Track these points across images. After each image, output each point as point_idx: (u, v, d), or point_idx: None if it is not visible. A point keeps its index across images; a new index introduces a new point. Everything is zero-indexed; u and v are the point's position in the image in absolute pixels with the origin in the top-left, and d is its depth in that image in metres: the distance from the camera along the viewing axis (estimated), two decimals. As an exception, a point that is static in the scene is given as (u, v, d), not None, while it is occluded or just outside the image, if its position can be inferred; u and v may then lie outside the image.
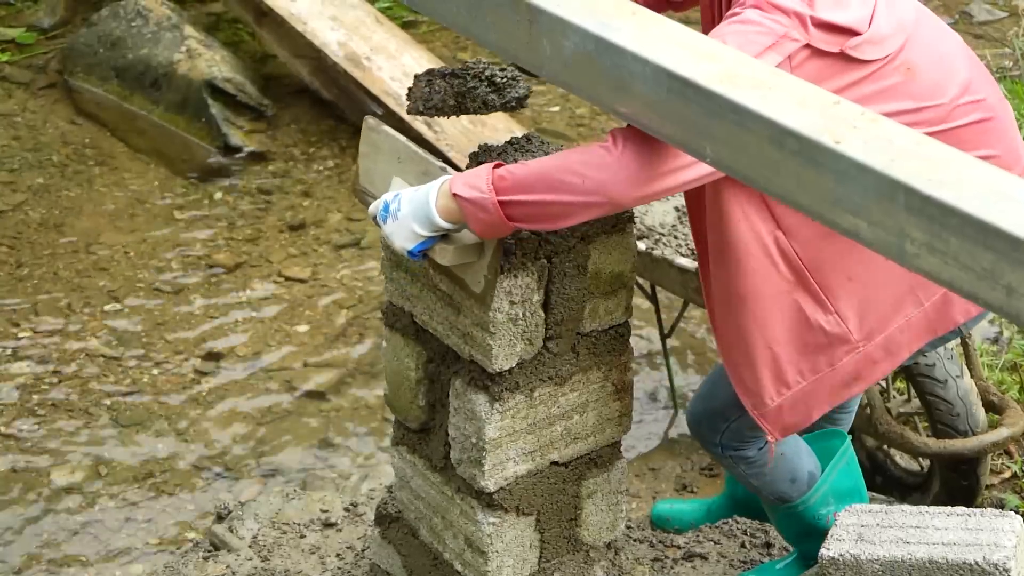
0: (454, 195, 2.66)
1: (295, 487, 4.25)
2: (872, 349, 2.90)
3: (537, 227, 2.69)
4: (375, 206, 2.80)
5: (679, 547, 3.66)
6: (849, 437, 3.41)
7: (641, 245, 3.88)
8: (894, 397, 3.89)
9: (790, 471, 3.28)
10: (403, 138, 2.96)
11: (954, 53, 2.89)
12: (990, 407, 3.81)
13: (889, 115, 2.61)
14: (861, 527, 3.12)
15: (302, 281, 5.41)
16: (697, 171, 2.61)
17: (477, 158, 2.96)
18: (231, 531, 3.81)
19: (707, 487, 4.28)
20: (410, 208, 2.72)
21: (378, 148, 2.98)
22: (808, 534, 3.38)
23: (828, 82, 2.60)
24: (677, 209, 4.08)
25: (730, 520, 3.75)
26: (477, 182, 2.64)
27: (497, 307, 2.77)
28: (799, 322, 2.86)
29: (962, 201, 1.69)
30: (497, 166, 2.67)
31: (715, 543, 3.67)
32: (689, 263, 3.81)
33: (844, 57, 2.66)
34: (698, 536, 3.71)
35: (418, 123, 5.91)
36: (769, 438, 2.96)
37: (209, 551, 3.78)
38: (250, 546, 3.72)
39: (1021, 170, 2.92)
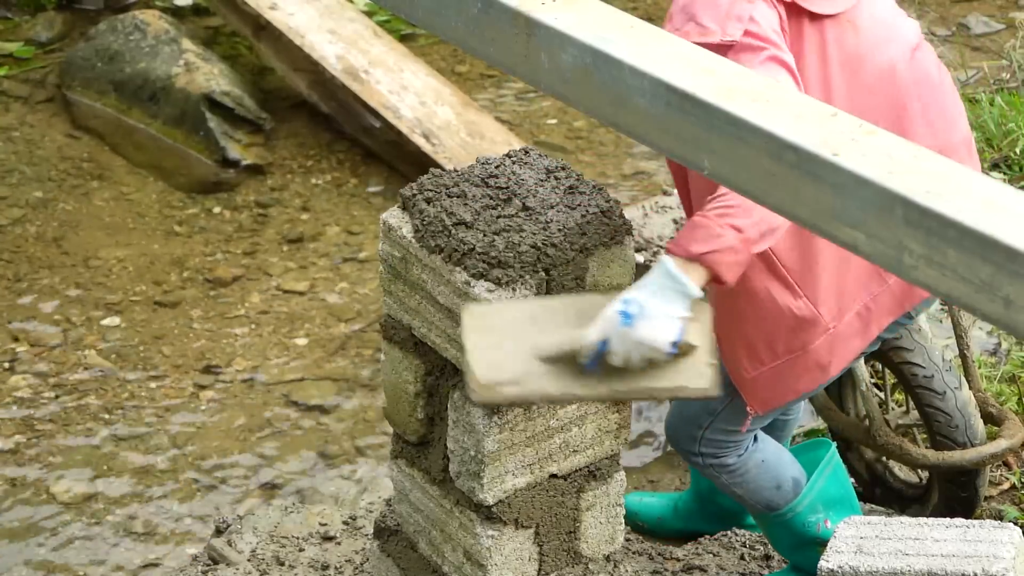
0: (698, 257, 2.62)
1: (294, 500, 4.24)
2: (843, 328, 2.99)
3: (771, 240, 2.71)
4: (606, 324, 2.61)
5: (678, 559, 3.66)
6: (834, 445, 3.44)
7: (639, 258, 3.88)
8: (893, 409, 3.90)
9: (774, 478, 3.29)
10: (520, 299, 2.71)
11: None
12: (989, 419, 3.81)
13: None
14: (860, 539, 3.12)
15: (301, 294, 5.41)
16: None
17: (474, 170, 2.96)
18: (230, 545, 3.81)
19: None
20: (660, 299, 2.60)
21: (493, 329, 2.67)
22: (801, 545, 3.38)
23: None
24: (675, 222, 4.09)
25: (729, 532, 3.75)
26: (705, 234, 2.62)
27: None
28: (769, 307, 2.95)
29: (960, 213, 1.69)
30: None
31: (714, 555, 3.67)
32: (687, 275, 3.81)
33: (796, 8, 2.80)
34: (697, 548, 3.71)
35: (416, 137, 5.92)
36: (749, 410, 3.05)
37: (208, 565, 3.78)
38: (249, 560, 3.72)
39: None
